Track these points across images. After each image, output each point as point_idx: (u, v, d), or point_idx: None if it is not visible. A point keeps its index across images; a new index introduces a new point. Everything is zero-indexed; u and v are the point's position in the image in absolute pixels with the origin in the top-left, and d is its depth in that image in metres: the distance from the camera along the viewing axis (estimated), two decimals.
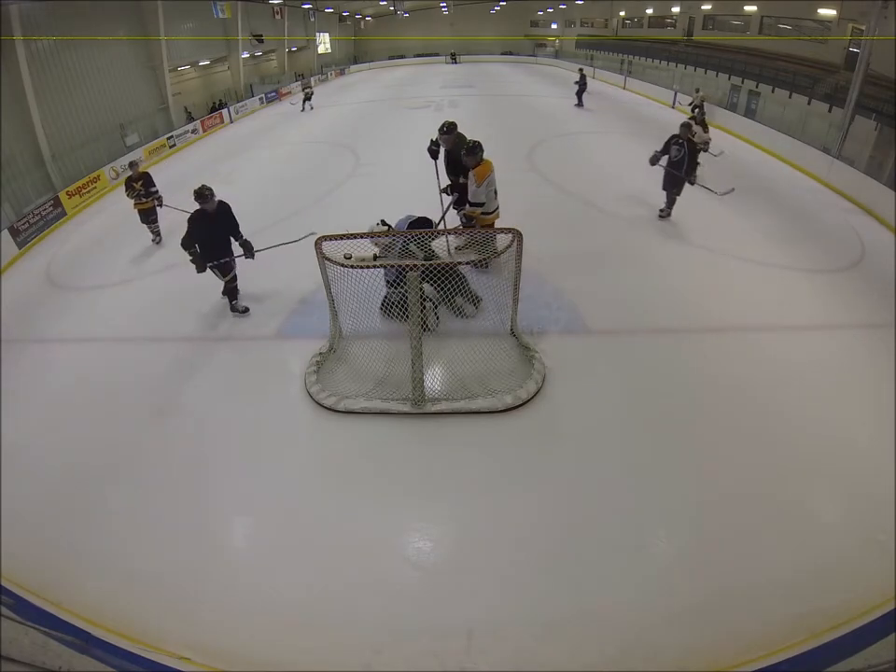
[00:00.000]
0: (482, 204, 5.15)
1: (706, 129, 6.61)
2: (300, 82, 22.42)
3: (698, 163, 6.69)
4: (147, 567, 2.91)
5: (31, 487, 3.47)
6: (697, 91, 14.11)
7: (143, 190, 6.89)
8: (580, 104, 15.48)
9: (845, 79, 11.13)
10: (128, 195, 6.93)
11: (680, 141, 6.38)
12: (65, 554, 3.02)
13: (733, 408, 3.80)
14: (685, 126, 6.51)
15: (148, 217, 7.14)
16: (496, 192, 5.27)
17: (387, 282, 4.56)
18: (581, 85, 15.45)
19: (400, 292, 4.05)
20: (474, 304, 4.85)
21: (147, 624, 2.60)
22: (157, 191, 7.06)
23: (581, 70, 16.14)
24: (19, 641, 1.88)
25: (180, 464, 3.60)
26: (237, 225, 5.07)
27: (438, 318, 4.70)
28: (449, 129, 5.54)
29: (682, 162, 6.35)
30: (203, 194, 4.70)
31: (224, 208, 4.93)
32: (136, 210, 7.10)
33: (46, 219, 8.76)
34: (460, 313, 4.80)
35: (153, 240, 7.35)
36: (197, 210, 4.78)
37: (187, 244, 4.80)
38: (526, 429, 3.68)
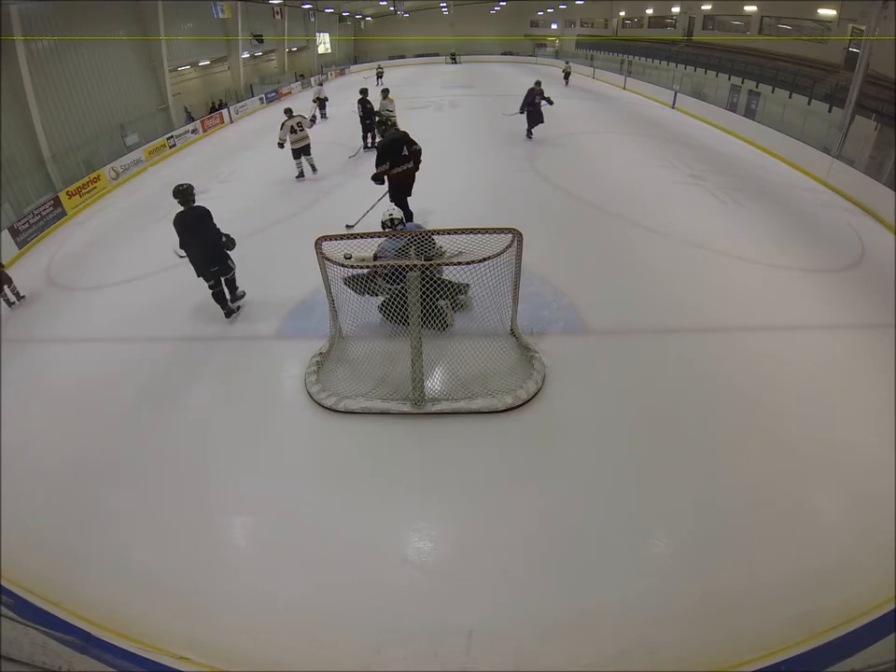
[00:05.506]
0: None
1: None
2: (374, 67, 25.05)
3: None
4: (148, 566, 2.91)
5: (31, 487, 3.47)
6: (567, 62, 22.59)
7: None
8: (366, 147, 10.79)
9: (845, 79, 11.15)
10: None
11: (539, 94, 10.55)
12: (65, 554, 3.02)
13: (732, 408, 3.80)
14: (537, 84, 10.66)
15: None
16: None
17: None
18: (367, 108, 10.40)
19: (398, 289, 3.99)
20: (462, 295, 4.80)
21: (147, 624, 2.60)
22: None
23: (364, 91, 10.58)
24: (19, 641, 1.87)
25: (180, 464, 3.60)
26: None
27: (448, 321, 4.61)
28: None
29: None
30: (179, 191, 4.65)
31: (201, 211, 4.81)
32: None
33: (46, 219, 8.77)
34: (445, 322, 4.58)
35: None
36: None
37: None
38: (526, 429, 3.68)
